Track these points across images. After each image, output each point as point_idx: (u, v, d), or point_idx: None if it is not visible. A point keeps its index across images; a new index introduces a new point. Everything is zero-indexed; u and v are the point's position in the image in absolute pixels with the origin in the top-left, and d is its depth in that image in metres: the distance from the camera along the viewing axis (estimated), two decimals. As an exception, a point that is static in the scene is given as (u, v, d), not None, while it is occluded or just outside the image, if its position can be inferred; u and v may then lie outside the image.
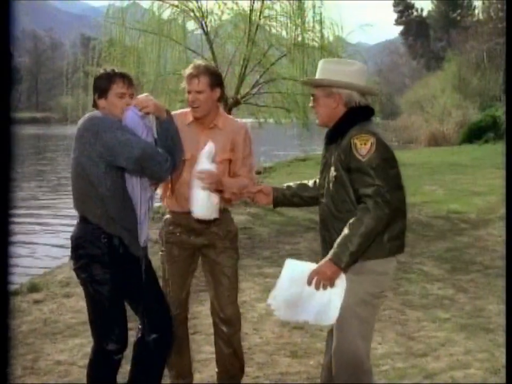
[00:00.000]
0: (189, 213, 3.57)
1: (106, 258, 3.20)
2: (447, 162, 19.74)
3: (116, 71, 3.35)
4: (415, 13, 68.95)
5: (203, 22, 11.16)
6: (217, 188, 3.50)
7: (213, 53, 11.17)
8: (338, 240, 2.98)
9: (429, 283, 6.43)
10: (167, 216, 3.82)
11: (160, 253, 3.83)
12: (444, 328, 5.11)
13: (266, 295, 5.92)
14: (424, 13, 69.41)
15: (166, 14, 11.31)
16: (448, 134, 32.75)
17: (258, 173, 18.95)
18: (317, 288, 3.01)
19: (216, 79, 3.61)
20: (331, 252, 2.98)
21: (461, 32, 50.14)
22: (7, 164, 2.18)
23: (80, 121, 3.30)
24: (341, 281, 3.03)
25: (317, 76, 3.26)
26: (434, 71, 48.98)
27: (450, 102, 34.53)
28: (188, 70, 3.60)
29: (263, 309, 5.59)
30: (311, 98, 3.28)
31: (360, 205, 2.97)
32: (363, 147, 2.97)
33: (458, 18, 63.74)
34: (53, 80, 79.27)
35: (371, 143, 2.98)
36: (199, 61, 3.80)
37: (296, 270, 3.16)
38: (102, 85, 3.31)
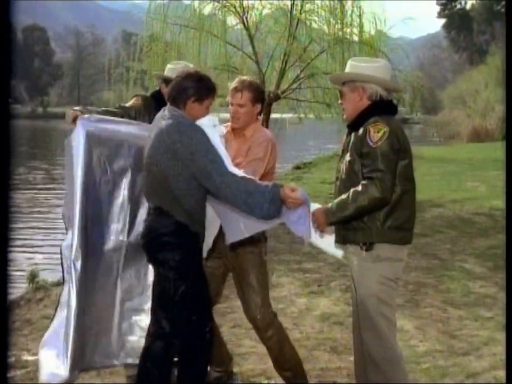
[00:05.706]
0: None
1: (191, 246, 3.32)
2: (490, 158, 19.34)
3: (214, 83, 3.40)
4: (458, 6, 67.84)
5: (244, 17, 11.18)
6: None
7: (253, 47, 11.18)
8: (339, 200, 3.21)
9: (471, 281, 6.34)
10: None
11: None
12: (487, 327, 5.04)
13: (306, 290, 5.97)
14: (468, 6, 68.28)
15: (207, 10, 11.41)
16: (491, 129, 32.20)
17: (298, 168, 18.90)
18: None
19: (258, 95, 3.70)
20: (331, 204, 3.26)
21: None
22: (7, 161, 2.18)
23: (170, 125, 3.21)
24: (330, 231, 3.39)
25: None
26: (477, 65, 48.16)
27: (493, 97, 33.88)
28: (233, 84, 3.69)
29: (303, 304, 5.60)
30: (339, 95, 3.46)
31: (364, 181, 3.14)
32: (375, 134, 3.16)
33: (503, 10, 62.47)
34: (94, 75, 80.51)
35: (384, 131, 3.15)
36: (244, 77, 3.86)
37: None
38: (203, 92, 3.32)
